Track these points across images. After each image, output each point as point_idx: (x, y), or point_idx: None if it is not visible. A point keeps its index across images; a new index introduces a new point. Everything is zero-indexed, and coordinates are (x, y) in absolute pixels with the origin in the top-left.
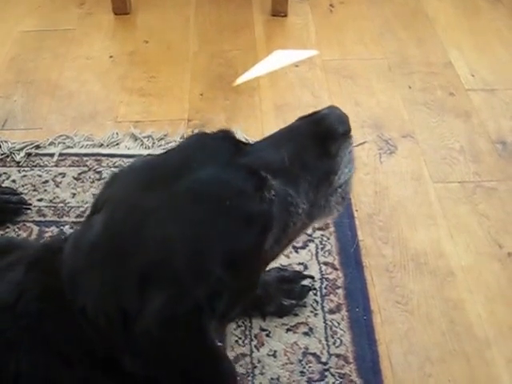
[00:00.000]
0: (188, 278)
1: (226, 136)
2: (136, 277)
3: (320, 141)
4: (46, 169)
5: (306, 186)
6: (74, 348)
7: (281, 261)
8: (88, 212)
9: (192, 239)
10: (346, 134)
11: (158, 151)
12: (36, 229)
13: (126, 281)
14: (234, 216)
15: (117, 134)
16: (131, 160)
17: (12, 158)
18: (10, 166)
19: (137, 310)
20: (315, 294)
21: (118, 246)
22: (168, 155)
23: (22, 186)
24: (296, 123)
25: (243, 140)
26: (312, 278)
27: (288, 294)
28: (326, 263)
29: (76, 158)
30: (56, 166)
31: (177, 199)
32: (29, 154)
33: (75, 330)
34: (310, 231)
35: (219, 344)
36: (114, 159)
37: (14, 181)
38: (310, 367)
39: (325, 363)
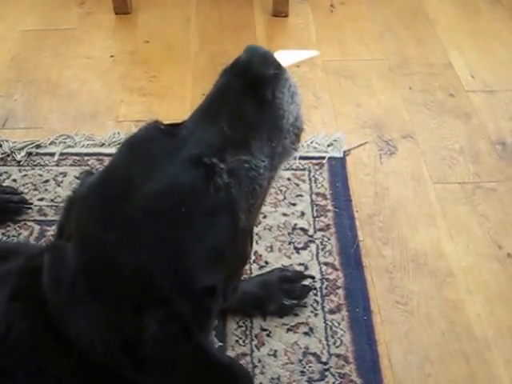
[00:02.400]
0: (172, 294)
1: (154, 129)
2: (126, 305)
3: (252, 91)
4: (46, 168)
5: (257, 144)
6: (71, 377)
7: (282, 261)
8: (54, 235)
9: (164, 257)
10: (277, 71)
11: None
12: (37, 228)
13: (117, 310)
14: (195, 218)
15: (118, 133)
16: None
17: (13, 157)
18: (10, 166)
19: (135, 336)
20: (315, 294)
21: (98, 281)
22: (109, 174)
23: (23, 185)
24: (221, 81)
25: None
26: (312, 277)
27: (289, 294)
28: (326, 263)
29: (77, 158)
30: (57, 165)
31: (134, 224)
32: (29, 154)
33: (71, 359)
34: (310, 232)
35: (220, 344)
36: None
37: (14, 180)
38: (310, 367)
39: (325, 363)
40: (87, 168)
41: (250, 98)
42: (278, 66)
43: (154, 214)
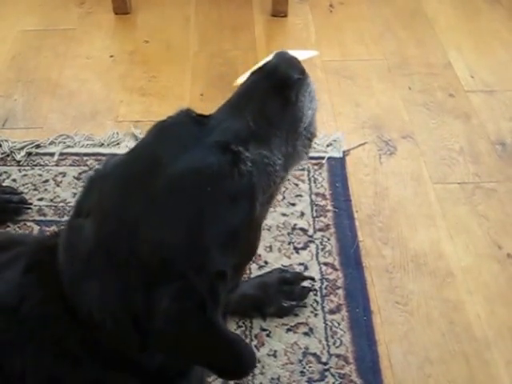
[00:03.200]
0: (189, 271)
1: (185, 116)
2: (139, 280)
3: (278, 92)
4: (46, 168)
5: (277, 141)
6: (81, 349)
7: (282, 261)
8: (71, 213)
9: (184, 234)
10: (301, 76)
11: None
12: (36, 228)
13: (130, 285)
14: (218, 200)
15: (117, 133)
16: None
17: (12, 157)
18: (10, 165)
19: (145, 310)
20: (315, 295)
21: (115, 255)
22: (136, 153)
23: (23, 185)
24: (250, 81)
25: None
26: (312, 279)
27: (288, 296)
28: (326, 264)
29: (76, 158)
30: (56, 165)
31: (158, 200)
32: (29, 154)
33: (81, 332)
34: (310, 232)
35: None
36: None
37: (14, 180)
38: (310, 367)
39: (325, 363)
40: (88, 168)
41: (275, 97)
42: (303, 71)
43: (178, 191)
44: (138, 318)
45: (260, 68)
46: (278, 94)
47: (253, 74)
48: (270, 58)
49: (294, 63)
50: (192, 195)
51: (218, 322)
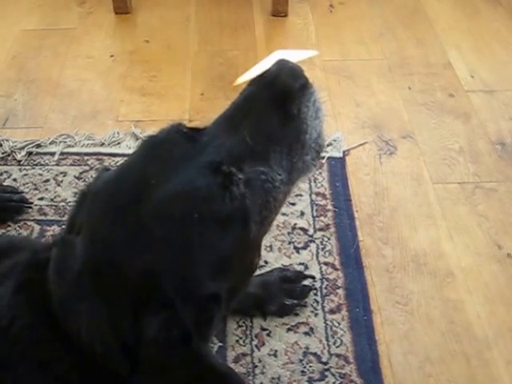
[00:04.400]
0: (176, 299)
1: (176, 132)
2: (127, 306)
3: (278, 104)
4: (47, 168)
5: (277, 157)
6: (71, 373)
7: (282, 261)
8: (65, 228)
9: (171, 261)
10: (304, 86)
11: None
12: (37, 228)
13: (118, 310)
14: (206, 225)
15: (118, 133)
16: None
17: (13, 156)
18: (11, 165)
19: (134, 337)
20: (316, 294)
21: (103, 279)
22: (126, 172)
23: (23, 184)
24: (247, 92)
25: (195, 126)
26: (313, 277)
27: (289, 294)
28: (326, 263)
29: (77, 157)
30: (57, 164)
31: (145, 226)
32: (30, 153)
33: (71, 356)
34: (310, 232)
35: (220, 344)
36: (116, 158)
37: (15, 179)
38: (310, 367)
39: (325, 363)
40: (88, 168)
41: (275, 110)
42: (306, 81)
43: (165, 216)
44: (126, 343)
45: (259, 77)
46: (278, 106)
47: (251, 83)
48: (268, 59)
49: (295, 72)
50: (179, 221)
51: (204, 353)
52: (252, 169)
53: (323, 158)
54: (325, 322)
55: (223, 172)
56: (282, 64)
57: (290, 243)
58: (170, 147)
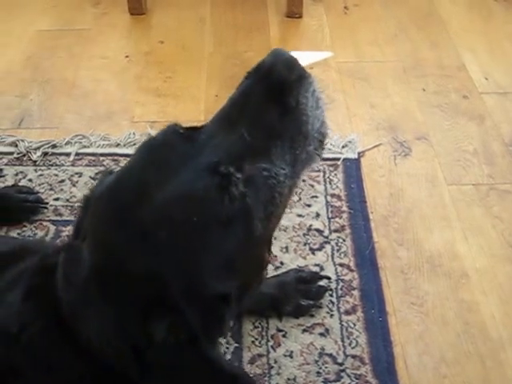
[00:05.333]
0: (182, 302)
1: (173, 133)
2: (135, 310)
3: (275, 97)
4: (62, 168)
5: (279, 151)
6: (83, 379)
7: (297, 262)
8: (71, 234)
9: (174, 265)
10: (301, 77)
11: None
12: (53, 228)
13: (127, 314)
14: (207, 228)
15: (133, 134)
16: None
17: (29, 157)
18: (26, 165)
19: (144, 341)
20: (331, 295)
21: (109, 285)
22: (126, 177)
23: (39, 185)
24: (243, 86)
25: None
26: (328, 278)
27: (305, 295)
28: (341, 265)
29: (92, 158)
30: (72, 165)
31: (146, 231)
32: (45, 153)
33: (82, 362)
34: (326, 233)
35: (236, 345)
36: None
37: (30, 180)
38: (326, 368)
39: (341, 364)
40: (104, 168)
41: (272, 103)
42: (302, 71)
43: (165, 221)
44: (136, 347)
45: (254, 70)
46: (275, 99)
47: (247, 76)
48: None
49: (290, 62)
50: (179, 224)
51: (212, 356)
52: (253, 166)
53: (338, 159)
54: (340, 323)
55: (221, 173)
56: (276, 55)
57: (305, 244)
58: (167, 149)
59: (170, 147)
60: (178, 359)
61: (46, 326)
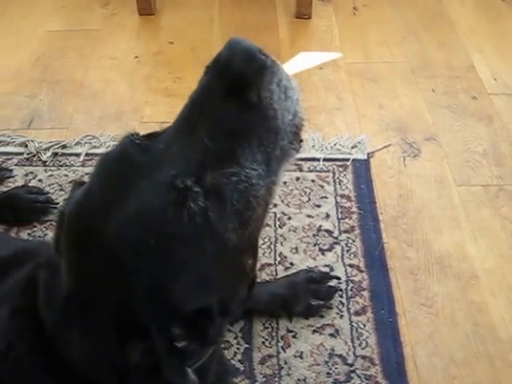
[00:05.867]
0: (152, 327)
1: (130, 146)
2: (113, 335)
3: (235, 94)
4: (72, 168)
5: (247, 152)
6: None
7: (307, 263)
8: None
9: (142, 291)
10: (262, 68)
11: None
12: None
13: (107, 339)
14: (169, 249)
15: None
16: None
17: (38, 157)
18: (36, 166)
19: (124, 364)
20: (341, 296)
21: (86, 307)
22: (87, 195)
23: (49, 185)
24: (201, 83)
25: (152, 132)
26: (338, 278)
27: (316, 295)
28: (351, 265)
29: None
30: (82, 165)
31: (109, 256)
32: (55, 154)
33: (69, 380)
34: (335, 234)
35: (246, 345)
36: None
37: (40, 180)
38: (336, 368)
39: (351, 365)
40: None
41: (232, 101)
42: (263, 61)
43: (126, 244)
44: (118, 368)
45: (211, 64)
46: (234, 96)
47: (205, 72)
48: (292, 61)
49: (248, 53)
50: (139, 247)
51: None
52: (218, 173)
53: (347, 159)
54: (350, 324)
55: (177, 188)
56: (232, 46)
57: (315, 245)
58: (124, 164)
59: (127, 161)
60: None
61: (32, 344)
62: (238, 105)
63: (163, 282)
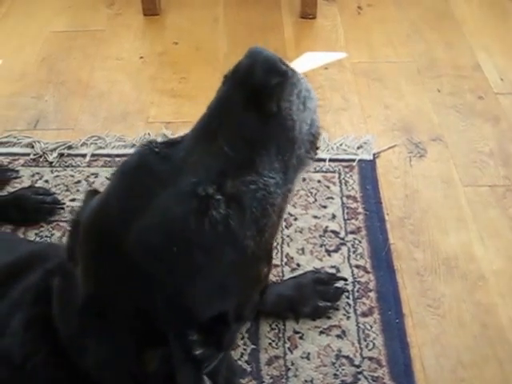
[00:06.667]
0: (169, 334)
1: (149, 154)
2: (131, 342)
3: (255, 104)
4: (78, 169)
5: (265, 160)
6: None
7: (314, 264)
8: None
9: (161, 298)
10: (282, 79)
11: None
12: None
13: (124, 347)
14: (190, 257)
15: (148, 134)
16: None
17: (45, 158)
18: (42, 166)
19: (141, 372)
20: (348, 297)
21: (103, 316)
22: (105, 205)
23: (55, 186)
24: (221, 92)
25: (170, 139)
26: (345, 280)
27: (323, 296)
28: (357, 266)
29: (108, 159)
30: (88, 166)
31: (129, 265)
32: (61, 155)
33: None
34: (342, 234)
35: (253, 347)
36: None
37: (46, 181)
38: (343, 370)
39: (358, 366)
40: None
41: (252, 111)
42: (283, 72)
43: (146, 252)
44: (135, 376)
45: (230, 73)
46: (254, 106)
47: (224, 81)
48: (298, 61)
49: (269, 64)
50: (159, 256)
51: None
52: (237, 181)
53: (353, 160)
54: (357, 325)
55: (199, 196)
56: (253, 55)
57: (321, 246)
58: (144, 173)
59: (146, 169)
60: None
61: (48, 356)
62: (257, 114)
63: (183, 289)
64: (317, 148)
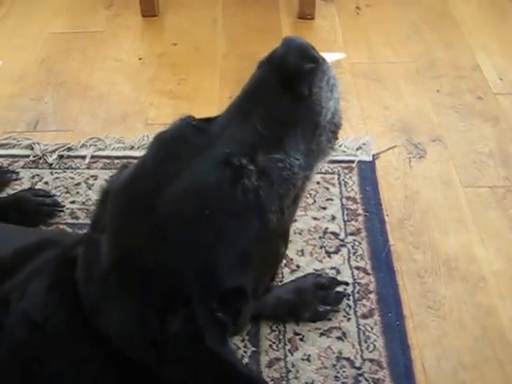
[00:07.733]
0: (195, 298)
1: (186, 126)
2: (152, 304)
3: (288, 88)
4: (78, 171)
5: (292, 141)
6: (104, 369)
7: (313, 265)
8: (89, 226)
9: (187, 260)
10: (314, 65)
11: None
12: (69, 231)
13: (145, 309)
14: (220, 222)
15: (147, 136)
16: None
17: (44, 159)
18: (42, 168)
19: (162, 334)
20: (348, 299)
21: (127, 280)
22: (140, 171)
23: (55, 188)
24: (256, 75)
25: (206, 117)
26: (347, 284)
27: (323, 301)
28: (357, 268)
29: (107, 161)
30: (88, 168)
31: (160, 226)
32: (61, 156)
33: (104, 353)
34: (342, 236)
35: (253, 349)
36: None
37: (46, 183)
38: (343, 372)
39: (358, 368)
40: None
41: (285, 94)
42: (316, 58)
43: (179, 215)
44: (155, 339)
45: (266, 59)
46: (287, 89)
47: (259, 66)
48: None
49: (304, 50)
50: (192, 219)
51: (220, 352)
52: (267, 157)
53: (353, 161)
54: (357, 327)
55: (233, 165)
56: (289, 43)
57: (321, 247)
58: (180, 142)
59: (182, 140)
60: (189, 353)
61: (69, 317)
62: (290, 97)
63: (209, 254)
64: (336, 139)
